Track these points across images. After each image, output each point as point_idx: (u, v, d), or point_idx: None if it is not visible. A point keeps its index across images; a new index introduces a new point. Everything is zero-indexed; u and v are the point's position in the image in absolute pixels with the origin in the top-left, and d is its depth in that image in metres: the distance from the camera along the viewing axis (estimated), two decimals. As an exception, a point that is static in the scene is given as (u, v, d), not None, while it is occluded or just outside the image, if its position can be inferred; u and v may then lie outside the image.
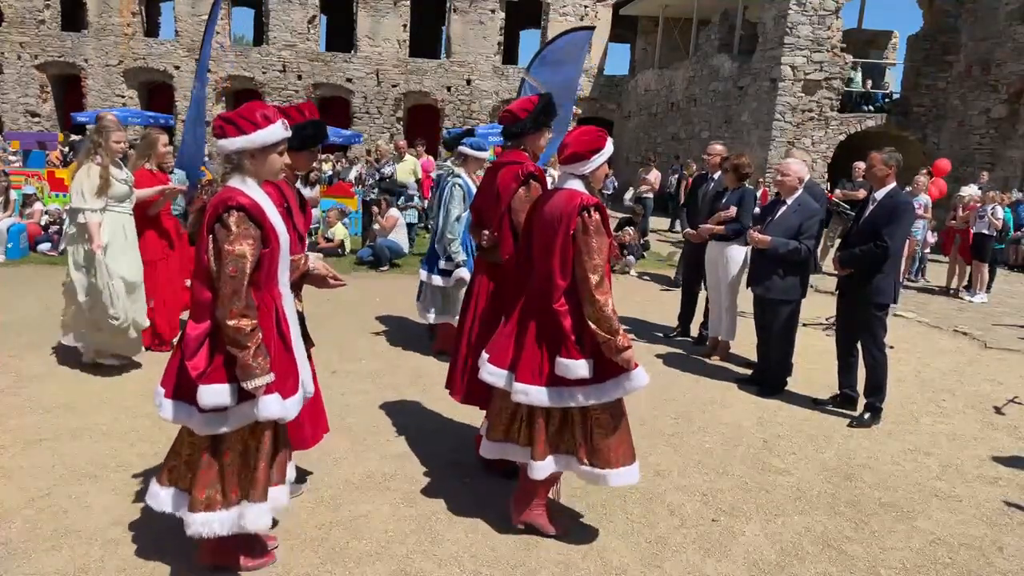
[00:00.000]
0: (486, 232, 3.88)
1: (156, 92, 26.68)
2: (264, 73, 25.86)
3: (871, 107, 18.07)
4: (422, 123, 25.78)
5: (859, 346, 5.13)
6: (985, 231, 10.36)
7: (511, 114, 3.76)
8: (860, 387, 5.15)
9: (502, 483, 3.76)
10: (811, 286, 5.59)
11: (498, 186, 3.74)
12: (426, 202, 12.78)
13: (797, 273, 5.37)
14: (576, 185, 3.07)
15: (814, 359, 6.17)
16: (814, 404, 5.32)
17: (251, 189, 2.61)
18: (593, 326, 2.93)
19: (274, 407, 2.59)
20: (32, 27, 25.12)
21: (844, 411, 5.19)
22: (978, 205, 10.78)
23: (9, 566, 2.86)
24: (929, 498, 3.92)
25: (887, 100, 18.42)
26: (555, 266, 2.99)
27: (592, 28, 9.48)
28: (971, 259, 10.63)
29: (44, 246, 10.06)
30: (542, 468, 3.06)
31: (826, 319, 7.50)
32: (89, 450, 3.92)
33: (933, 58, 17.31)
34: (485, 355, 3.25)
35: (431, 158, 15.24)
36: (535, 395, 3.02)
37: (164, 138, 5.77)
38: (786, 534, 3.46)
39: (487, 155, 6.04)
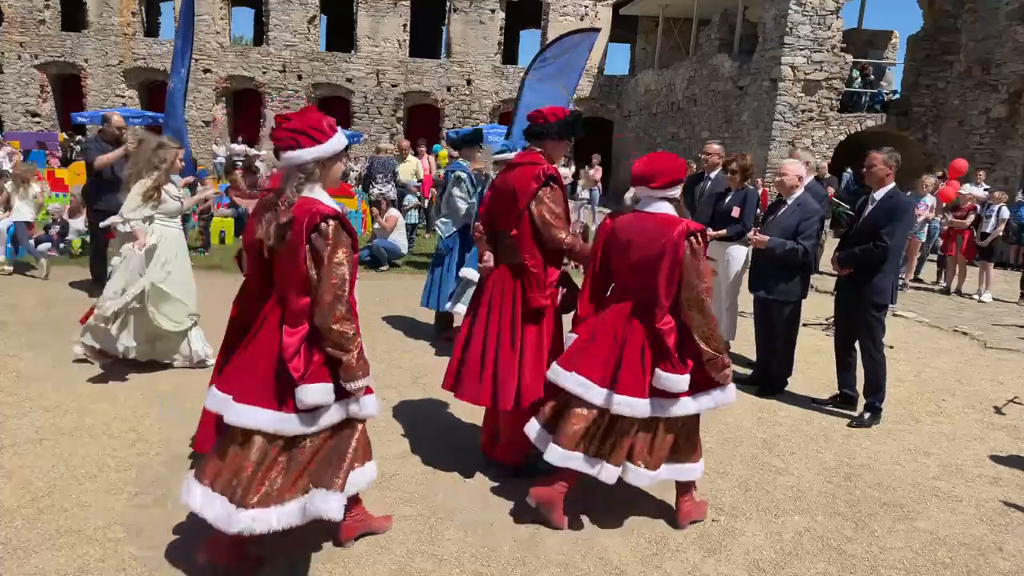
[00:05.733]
0: (478, 224, 3.89)
1: (156, 92, 26.62)
2: (264, 73, 25.85)
3: (878, 105, 18.06)
4: (422, 123, 25.77)
5: (858, 346, 5.13)
6: (995, 231, 10.40)
7: (541, 115, 3.73)
8: (860, 387, 5.16)
9: (502, 483, 3.77)
10: (812, 286, 5.57)
11: (515, 186, 3.64)
12: (427, 202, 12.78)
13: (797, 274, 5.36)
14: (669, 209, 3.28)
15: (814, 359, 6.17)
16: (814, 404, 5.32)
17: (326, 198, 2.71)
18: (703, 344, 3.17)
19: (373, 406, 2.77)
20: (32, 27, 25.11)
21: (844, 411, 5.19)
22: (976, 206, 10.78)
23: (9, 566, 2.86)
24: (929, 498, 3.92)
25: (886, 100, 18.42)
26: (661, 288, 3.15)
27: (598, 30, 9.45)
28: (973, 258, 10.64)
29: (44, 246, 10.05)
30: (613, 473, 3.25)
31: (826, 319, 7.50)
32: (89, 450, 3.92)
33: (933, 58, 17.30)
34: (561, 367, 3.36)
35: (432, 158, 15.26)
36: (640, 407, 3.18)
37: (181, 152, 5.83)
38: (786, 534, 3.46)
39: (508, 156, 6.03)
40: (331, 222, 2.60)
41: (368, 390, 2.74)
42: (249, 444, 2.67)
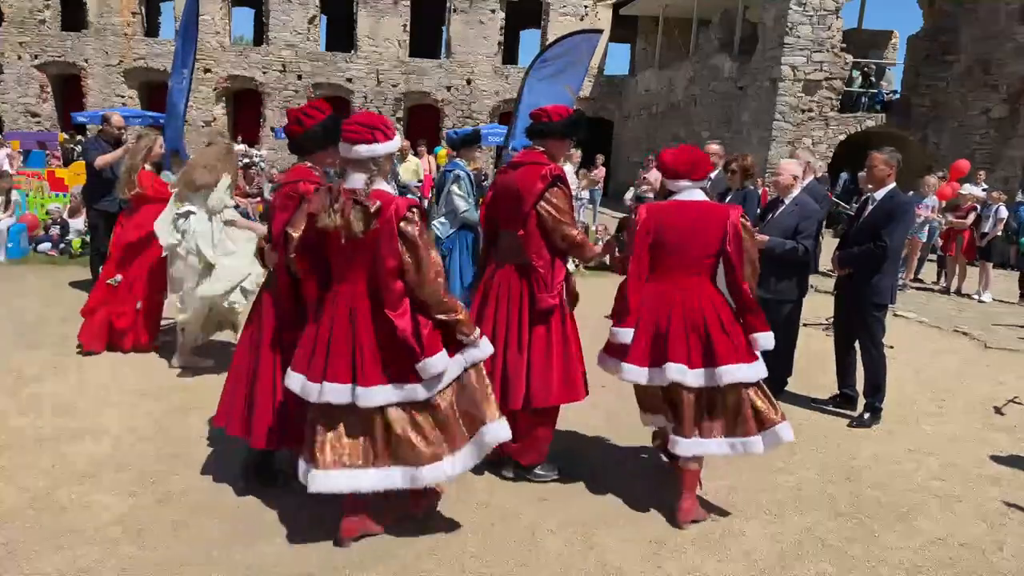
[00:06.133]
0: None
1: (156, 92, 26.57)
2: (264, 73, 25.84)
3: (878, 105, 18.06)
4: (422, 123, 25.76)
5: (858, 346, 5.13)
6: (994, 231, 10.43)
7: (544, 113, 3.69)
8: (860, 387, 5.15)
9: (503, 483, 3.77)
10: (811, 286, 5.56)
11: (520, 186, 3.58)
12: (426, 202, 12.77)
13: (796, 273, 5.34)
14: (704, 196, 3.58)
15: (814, 359, 6.16)
16: (814, 404, 5.32)
17: (392, 190, 3.01)
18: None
19: (489, 345, 3.16)
20: (32, 27, 25.08)
21: (844, 411, 5.19)
22: (976, 206, 10.78)
23: (9, 566, 2.86)
24: (929, 498, 3.92)
25: (886, 100, 18.41)
26: (738, 267, 3.44)
27: (600, 31, 9.42)
28: (973, 258, 10.65)
29: (44, 246, 10.06)
30: (757, 443, 3.44)
31: (826, 319, 7.50)
32: (89, 450, 3.92)
33: (933, 58, 17.29)
34: (641, 365, 3.47)
35: (432, 158, 15.25)
36: (745, 372, 3.39)
37: (160, 139, 5.86)
38: (786, 534, 3.46)
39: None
40: (415, 210, 2.91)
41: (481, 334, 3.11)
42: (386, 418, 2.95)
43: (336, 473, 2.95)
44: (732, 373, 3.36)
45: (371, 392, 2.91)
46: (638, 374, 3.49)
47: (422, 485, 3.00)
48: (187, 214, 5.25)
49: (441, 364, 2.93)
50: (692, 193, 3.53)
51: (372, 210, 2.83)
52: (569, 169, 10.71)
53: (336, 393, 2.93)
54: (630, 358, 3.49)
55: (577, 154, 12.50)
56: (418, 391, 2.95)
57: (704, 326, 3.41)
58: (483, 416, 3.04)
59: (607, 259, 4.07)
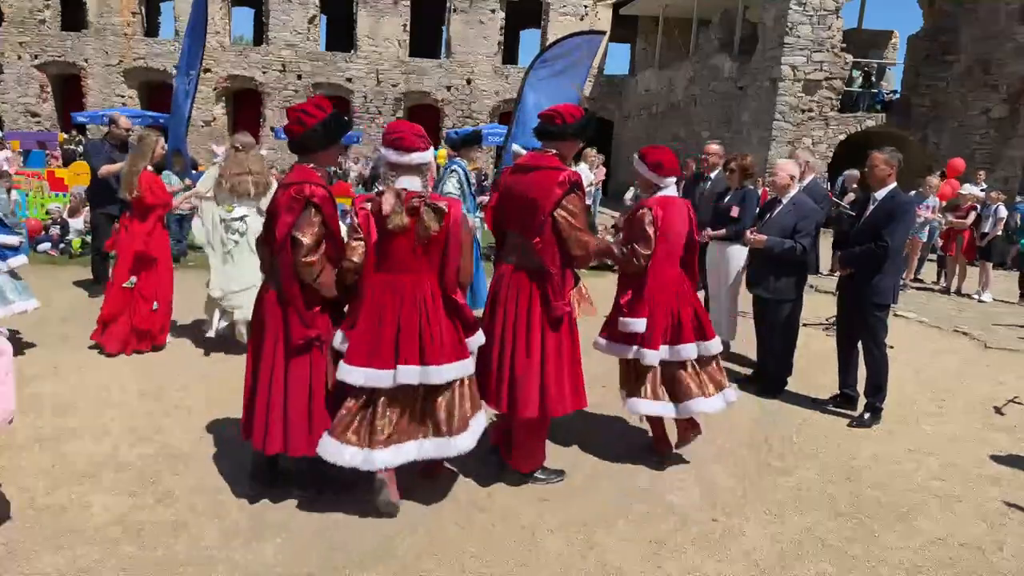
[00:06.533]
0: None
1: (156, 92, 26.64)
2: (264, 73, 25.84)
3: (878, 105, 18.05)
4: (422, 123, 25.42)
5: (859, 346, 5.13)
6: (994, 231, 10.43)
7: (557, 114, 3.58)
8: (860, 387, 5.15)
9: (504, 483, 3.77)
10: (811, 286, 5.56)
11: (536, 192, 3.49)
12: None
13: (795, 272, 5.35)
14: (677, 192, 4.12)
15: (814, 359, 6.16)
16: (814, 404, 5.32)
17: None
18: None
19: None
20: (32, 27, 25.08)
21: (844, 411, 5.19)
22: (976, 206, 10.78)
23: (9, 566, 2.86)
24: (929, 498, 3.92)
25: (886, 100, 18.40)
26: (697, 252, 4.13)
27: (602, 33, 9.41)
28: (973, 258, 10.64)
29: (44, 246, 10.06)
30: (732, 393, 4.15)
31: (826, 319, 7.50)
32: (89, 450, 3.92)
33: (933, 58, 17.28)
34: (658, 348, 3.94)
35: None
36: (719, 345, 4.12)
37: (162, 140, 5.88)
38: (786, 534, 3.46)
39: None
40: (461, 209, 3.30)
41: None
42: (446, 392, 3.29)
43: (384, 451, 3.21)
44: (716, 346, 4.08)
45: (443, 370, 3.24)
46: (656, 357, 3.94)
47: (455, 453, 3.29)
48: (242, 217, 5.57)
49: (482, 336, 3.45)
50: (672, 188, 4.02)
51: (446, 211, 3.17)
52: (584, 168, 10.65)
53: (410, 375, 3.21)
54: (649, 344, 3.93)
55: (592, 152, 12.42)
56: (469, 365, 3.36)
57: (693, 308, 4.03)
58: (479, 396, 3.49)
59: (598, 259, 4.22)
